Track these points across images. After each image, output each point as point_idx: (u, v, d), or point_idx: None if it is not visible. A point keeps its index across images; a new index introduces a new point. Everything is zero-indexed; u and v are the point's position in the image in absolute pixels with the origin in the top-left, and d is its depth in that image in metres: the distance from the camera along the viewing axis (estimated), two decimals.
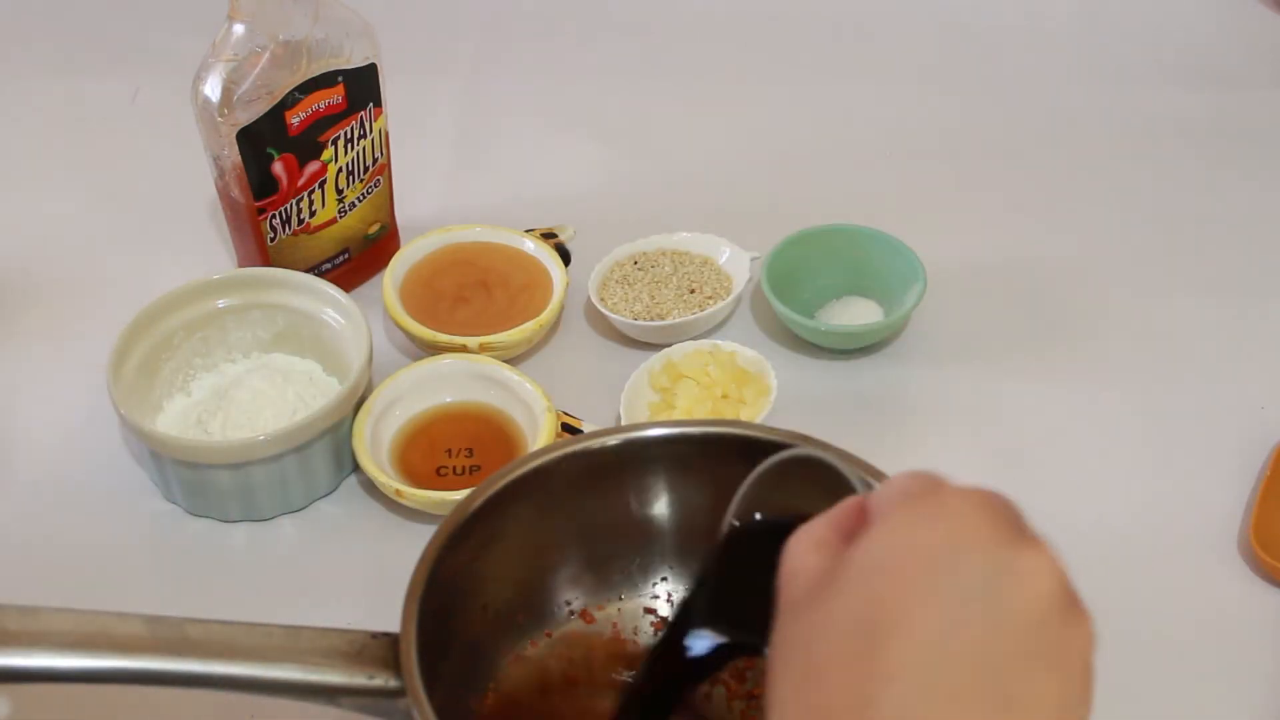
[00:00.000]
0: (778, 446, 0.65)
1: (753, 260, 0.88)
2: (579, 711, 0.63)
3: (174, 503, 0.76)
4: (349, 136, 0.82)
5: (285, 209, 0.82)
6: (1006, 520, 0.41)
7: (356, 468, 0.77)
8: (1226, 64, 1.13)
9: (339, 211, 0.85)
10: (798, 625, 0.42)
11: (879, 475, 0.62)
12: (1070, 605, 0.40)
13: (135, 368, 0.77)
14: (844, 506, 0.46)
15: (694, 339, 0.84)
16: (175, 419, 0.78)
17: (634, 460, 0.65)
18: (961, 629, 0.38)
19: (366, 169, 0.85)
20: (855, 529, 0.44)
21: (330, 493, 0.77)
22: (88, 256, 0.92)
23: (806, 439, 0.64)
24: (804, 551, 0.44)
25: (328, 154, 0.82)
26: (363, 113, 0.82)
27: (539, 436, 0.75)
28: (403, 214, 0.91)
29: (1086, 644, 0.40)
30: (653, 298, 0.86)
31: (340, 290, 0.80)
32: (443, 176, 1.00)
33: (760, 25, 1.17)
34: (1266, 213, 0.97)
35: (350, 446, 0.75)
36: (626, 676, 0.64)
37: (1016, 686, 0.38)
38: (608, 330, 0.87)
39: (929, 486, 0.43)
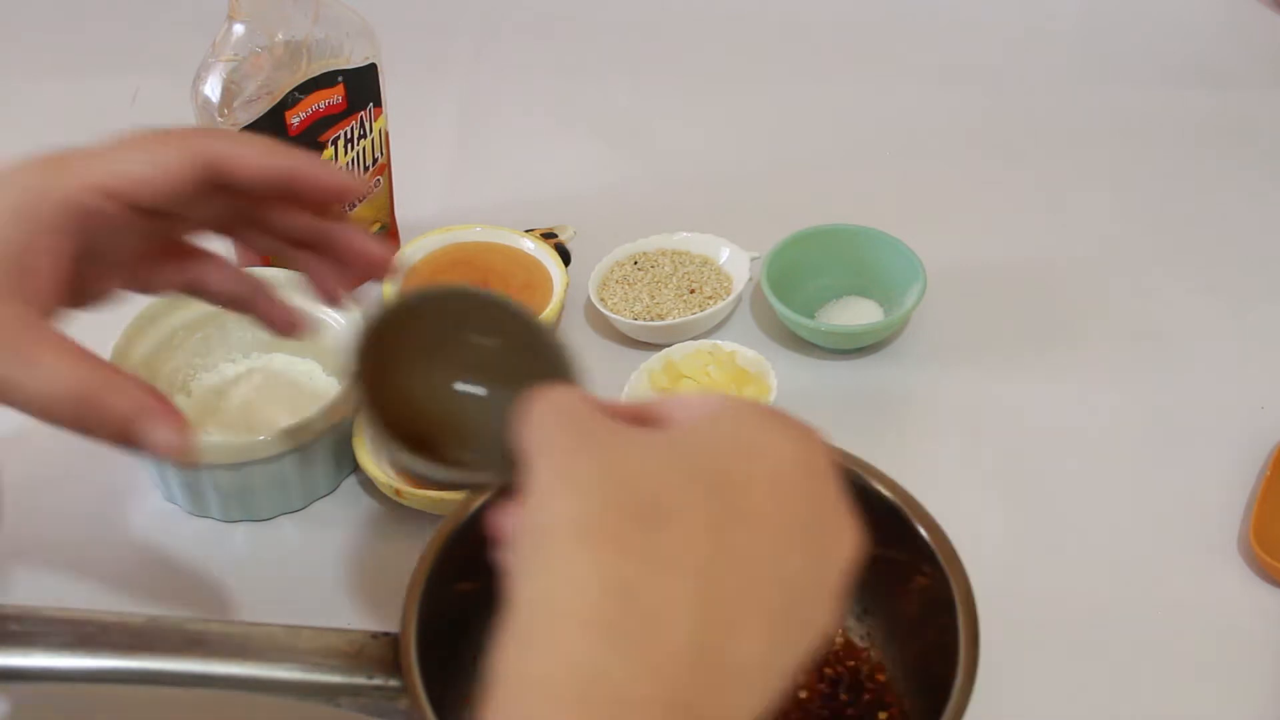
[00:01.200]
0: None
1: (753, 260, 0.88)
2: None
3: (174, 503, 0.76)
4: (349, 136, 0.82)
5: None
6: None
7: (356, 468, 0.77)
8: (1226, 64, 1.13)
9: None
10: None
11: (881, 476, 0.62)
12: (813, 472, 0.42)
13: (135, 368, 0.76)
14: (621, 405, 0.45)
15: (694, 339, 0.84)
16: None
17: None
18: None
19: (366, 169, 0.85)
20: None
21: (330, 493, 0.77)
22: None
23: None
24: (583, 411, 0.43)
25: (328, 154, 0.82)
26: (363, 113, 0.82)
27: None
28: (403, 214, 0.91)
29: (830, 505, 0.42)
30: (653, 298, 0.86)
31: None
32: (443, 176, 1.00)
33: (760, 25, 1.17)
34: (1266, 212, 0.97)
35: (350, 446, 0.75)
36: None
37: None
38: (608, 330, 0.87)
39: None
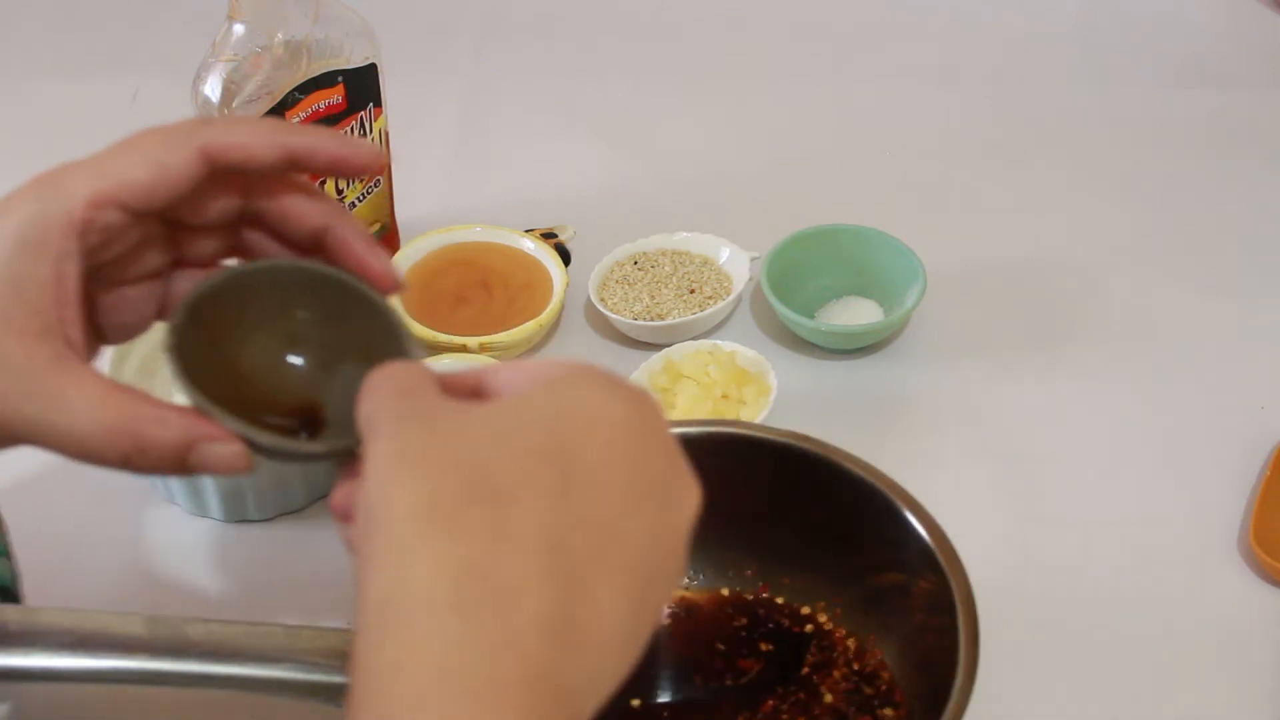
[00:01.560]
0: (778, 446, 0.65)
1: (753, 260, 0.88)
2: None
3: (174, 503, 0.76)
4: None
5: None
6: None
7: None
8: (1226, 64, 1.13)
9: None
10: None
11: (881, 476, 0.62)
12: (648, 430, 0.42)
13: (135, 368, 0.77)
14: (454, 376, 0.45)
15: (694, 339, 0.84)
16: None
17: None
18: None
19: None
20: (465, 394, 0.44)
21: (330, 492, 0.77)
22: None
23: (806, 439, 0.65)
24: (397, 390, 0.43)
25: None
26: (363, 113, 0.82)
27: None
28: (403, 214, 0.91)
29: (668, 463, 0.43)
30: (653, 298, 0.86)
31: None
32: (443, 177, 1.00)
33: (761, 25, 1.17)
34: (1267, 212, 0.97)
35: None
36: None
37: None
38: (608, 330, 0.87)
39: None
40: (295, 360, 0.51)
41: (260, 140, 0.50)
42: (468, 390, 0.45)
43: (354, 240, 0.50)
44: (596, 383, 0.43)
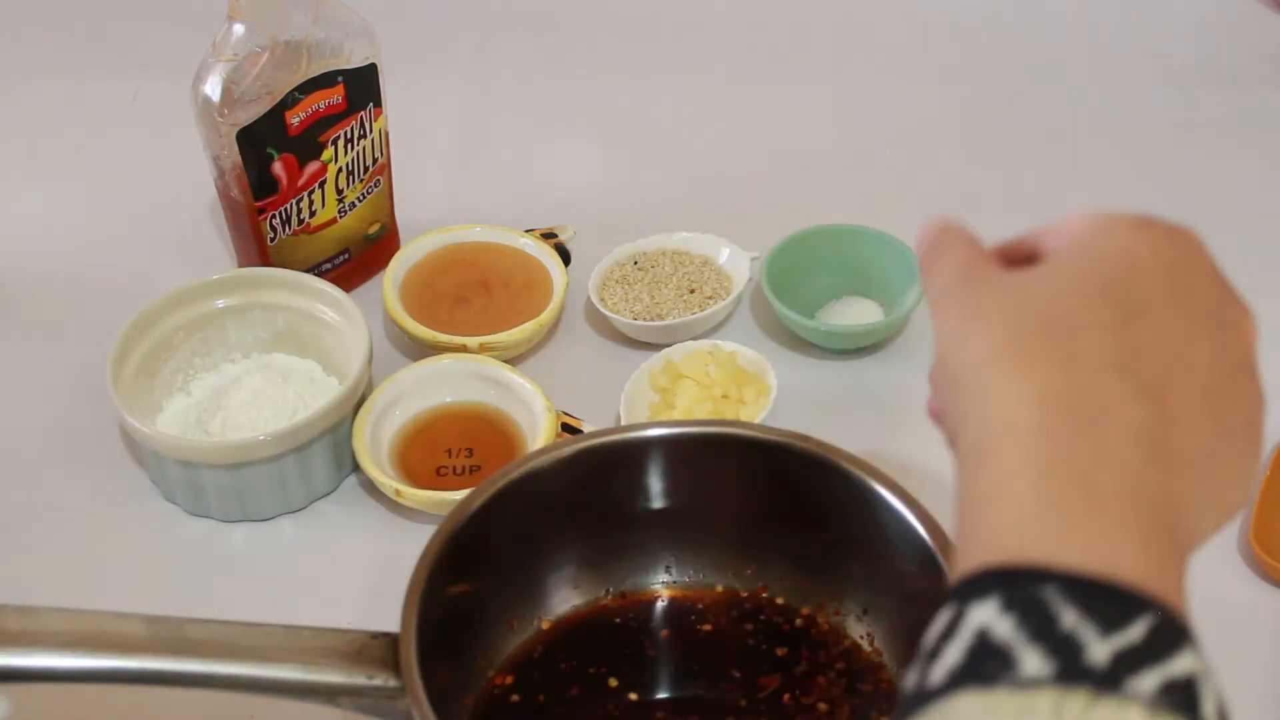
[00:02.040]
0: (778, 446, 0.65)
1: (753, 260, 0.88)
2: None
3: (174, 503, 0.76)
4: (349, 136, 0.82)
5: (285, 209, 0.82)
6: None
7: (356, 468, 0.77)
8: (1226, 64, 1.13)
9: (339, 211, 0.85)
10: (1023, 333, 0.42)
11: (881, 476, 0.62)
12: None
13: (135, 368, 0.77)
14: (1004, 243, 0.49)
15: (694, 339, 0.84)
16: (175, 419, 0.78)
17: (634, 460, 0.65)
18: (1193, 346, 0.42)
19: (366, 169, 0.85)
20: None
21: (330, 493, 0.77)
22: (88, 256, 0.92)
23: (806, 439, 0.65)
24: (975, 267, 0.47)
25: (328, 154, 0.82)
26: (363, 113, 0.82)
27: (539, 436, 0.75)
28: (403, 214, 0.91)
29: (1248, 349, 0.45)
30: (653, 298, 0.86)
31: (340, 290, 0.80)
32: (443, 176, 1.00)
33: (760, 25, 1.17)
34: (1266, 213, 0.97)
35: (350, 446, 0.75)
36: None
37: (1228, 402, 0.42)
38: (608, 330, 0.87)
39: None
40: None
41: None
42: (1022, 257, 0.48)
43: None
44: (1137, 226, 0.47)
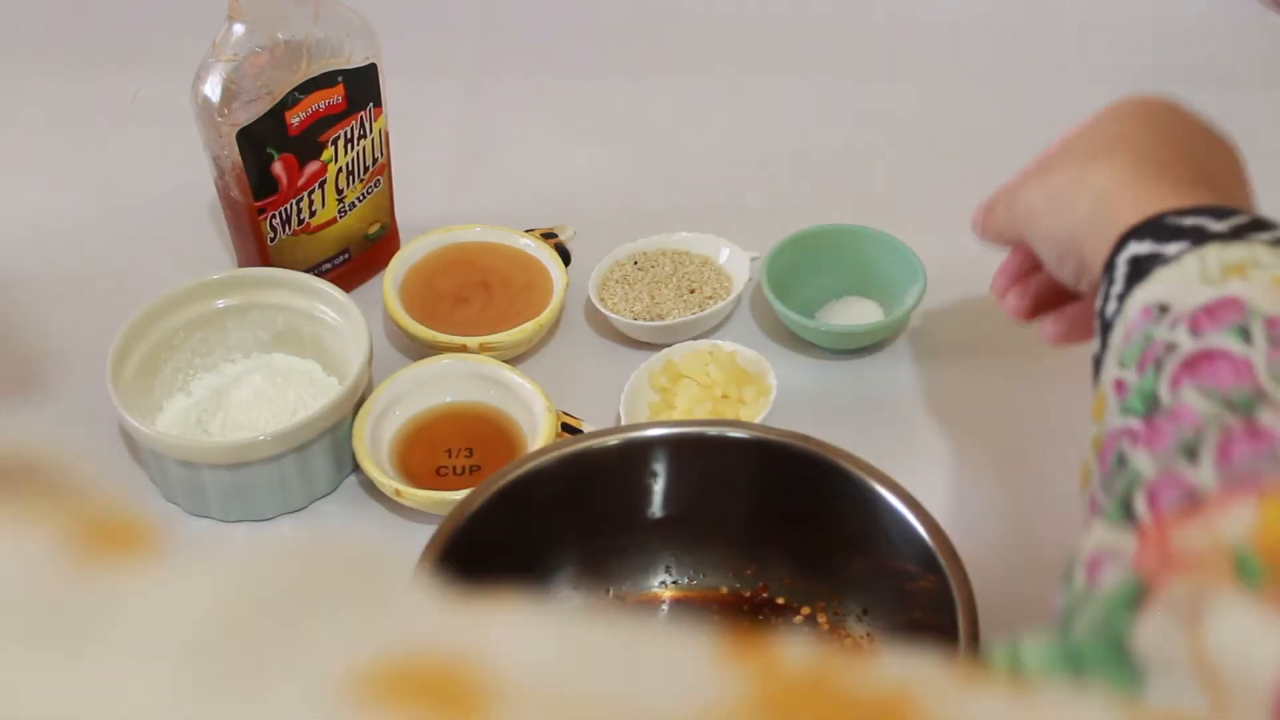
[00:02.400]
0: (778, 446, 0.65)
1: (753, 260, 0.88)
2: None
3: (174, 503, 0.76)
4: (349, 136, 0.82)
5: (285, 209, 0.82)
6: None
7: (356, 468, 0.77)
8: (1226, 64, 1.13)
9: (339, 211, 0.85)
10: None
11: (881, 476, 0.62)
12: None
13: (135, 368, 0.77)
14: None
15: (694, 339, 0.84)
16: (175, 419, 0.78)
17: (634, 460, 0.65)
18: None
19: (366, 169, 0.85)
20: None
21: (330, 493, 0.77)
22: (88, 256, 0.92)
23: (806, 439, 0.65)
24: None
25: (328, 154, 0.82)
26: (363, 113, 0.82)
27: (539, 436, 0.75)
28: (403, 214, 0.91)
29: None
30: (653, 298, 0.86)
31: (340, 290, 0.80)
32: (443, 176, 0.99)
33: (760, 25, 1.17)
34: (1266, 212, 0.97)
35: (350, 446, 0.75)
36: None
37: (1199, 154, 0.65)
38: (608, 330, 0.87)
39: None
40: None
41: None
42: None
43: None
44: (1119, 107, 0.72)
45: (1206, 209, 0.52)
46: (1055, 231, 0.60)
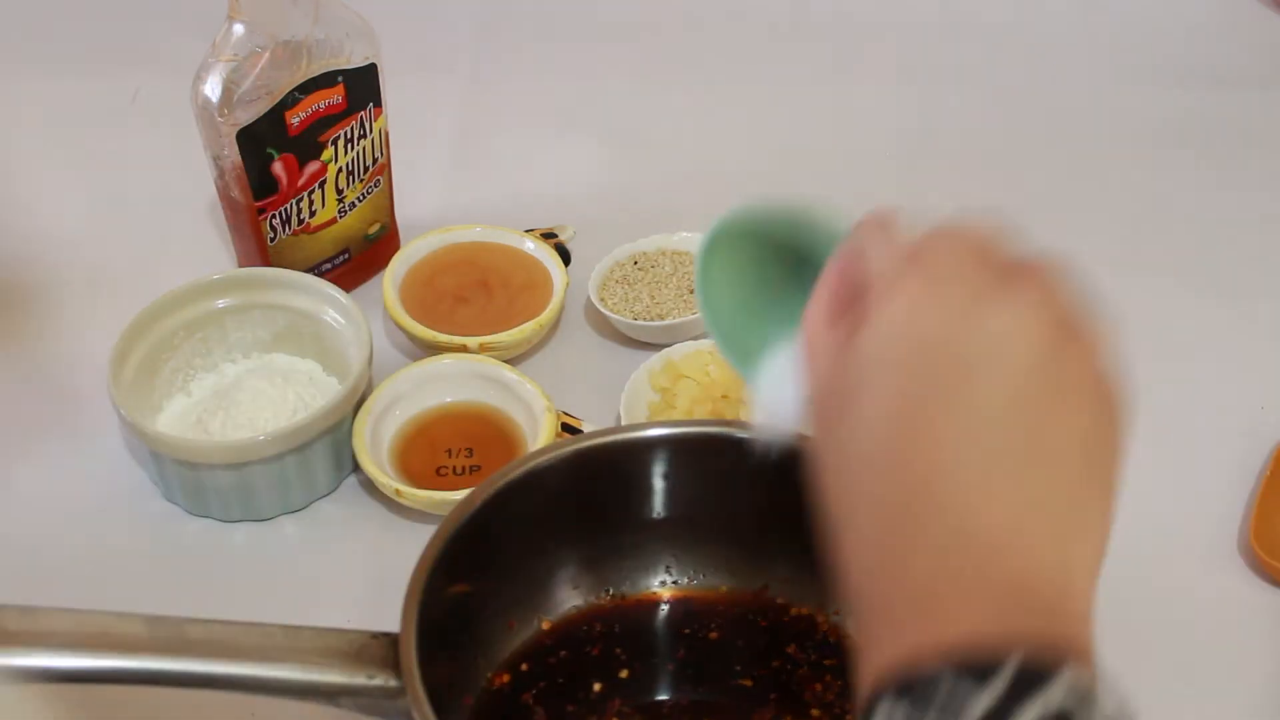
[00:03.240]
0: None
1: None
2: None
3: (174, 503, 0.76)
4: (349, 136, 0.82)
5: (285, 209, 0.82)
6: (989, 264, 0.46)
7: (356, 468, 0.77)
8: (1226, 64, 1.13)
9: (339, 211, 0.85)
10: (834, 432, 0.45)
11: None
12: (1063, 337, 0.45)
13: (135, 368, 0.77)
14: (837, 276, 0.48)
15: (694, 339, 0.84)
16: (175, 419, 0.78)
17: (634, 460, 0.65)
18: (975, 400, 0.42)
19: (366, 169, 0.85)
20: (855, 297, 0.46)
21: (330, 493, 0.77)
22: (88, 256, 0.92)
23: (806, 439, 0.64)
24: (816, 332, 0.47)
25: (328, 154, 0.82)
26: (363, 113, 0.82)
27: (539, 436, 0.75)
28: (403, 214, 0.91)
29: (1087, 365, 0.46)
30: (653, 298, 0.86)
31: (340, 290, 0.80)
32: (443, 176, 1.00)
33: (761, 25, 1.17)
34: (1266, 213, 0.97)
35: (350, 446, 0.75)
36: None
37: (1043, 431, 0.43)
38: (608, 330, 0.87)
39: (913, 251, 0.47)
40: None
41: None
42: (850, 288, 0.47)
43: None
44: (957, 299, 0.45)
45: (976, 655, 0.37)
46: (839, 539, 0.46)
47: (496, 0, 1.19)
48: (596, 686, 0.63)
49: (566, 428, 0.76)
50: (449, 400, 0.79)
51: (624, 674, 0.64)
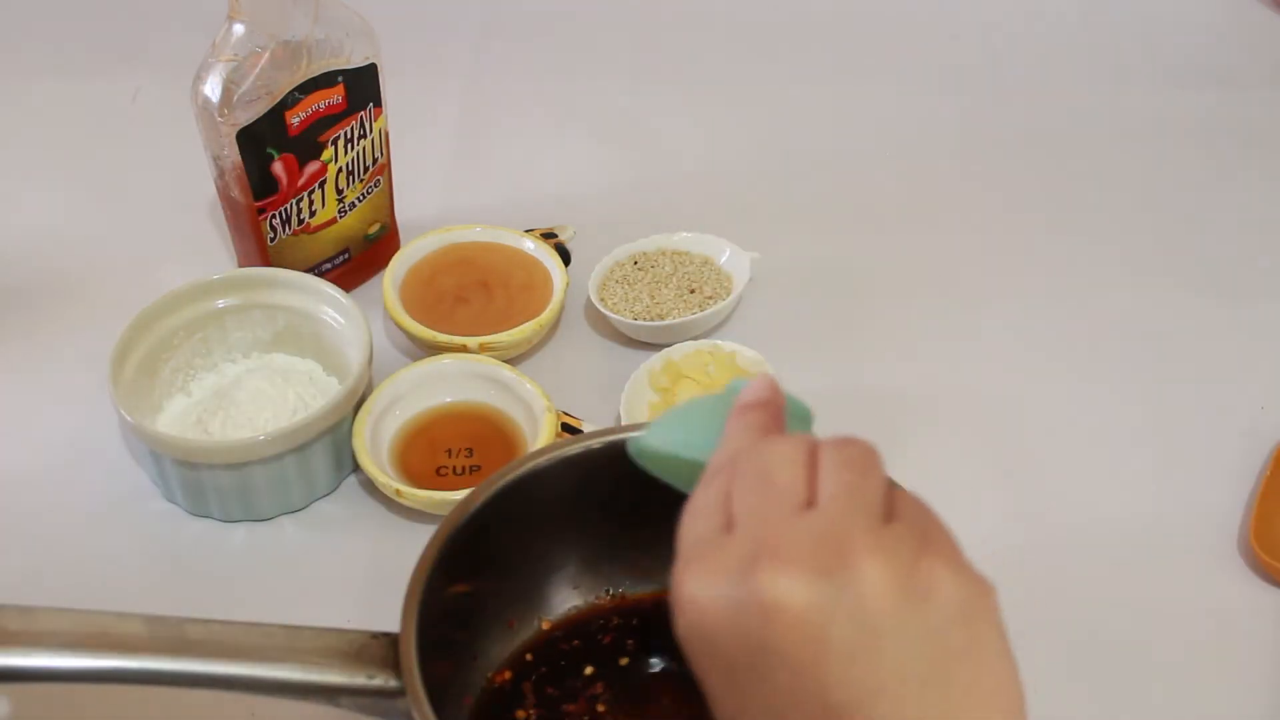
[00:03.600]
0: None
1: (753, 260, 0.88)
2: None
3: (174, 503, 0.76)
4: (349, 136, 0.82)
5: (285, 209, 0.82)
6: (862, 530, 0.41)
7: (356, 468, 0.77)
8: (1226, 64, 1.13)
9: (339, 211, 0.85)
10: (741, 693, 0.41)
11: None
12: (911, 596, 0.40)
13: (135, 368, 0.77)
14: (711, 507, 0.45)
15: (694, 339, 0.84)
16: (175, 419, 0.78)
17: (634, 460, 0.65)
18: (872, 678, 0.39)
19: (366, 169, 0.85)
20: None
21: (330, 493, 0.77)
22: (88, 256, 0.92)
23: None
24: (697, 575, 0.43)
25: (328, 154, 0.82)
26: (363, 113, 0.82)
27: (539, 436, 0.75)
28: (403, 214, 0.91)
29: (956, 619, 0.40)
30: (653, 298, 0.86)
31: (340, 290, 0.80)
32: (443, 177, 1.00)
33: (761, 25, 1.17)
34: (1266, 213, 0.97)
35: (350, 446, 0.75)
36: None
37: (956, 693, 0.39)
38: (608, 330, 0.87)
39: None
40: None
41: None
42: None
43: None
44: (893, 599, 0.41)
45: None
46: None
47: (496, 0, 1.19)
48: (597, 687, 0.63)
49: (566, 428, 0.76)
50: (449, 400, 0.79)
51: (625, 674, 0.64)
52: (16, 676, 0.54)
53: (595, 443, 0.64)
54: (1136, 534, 0.74)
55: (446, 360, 0.80)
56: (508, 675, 0.63)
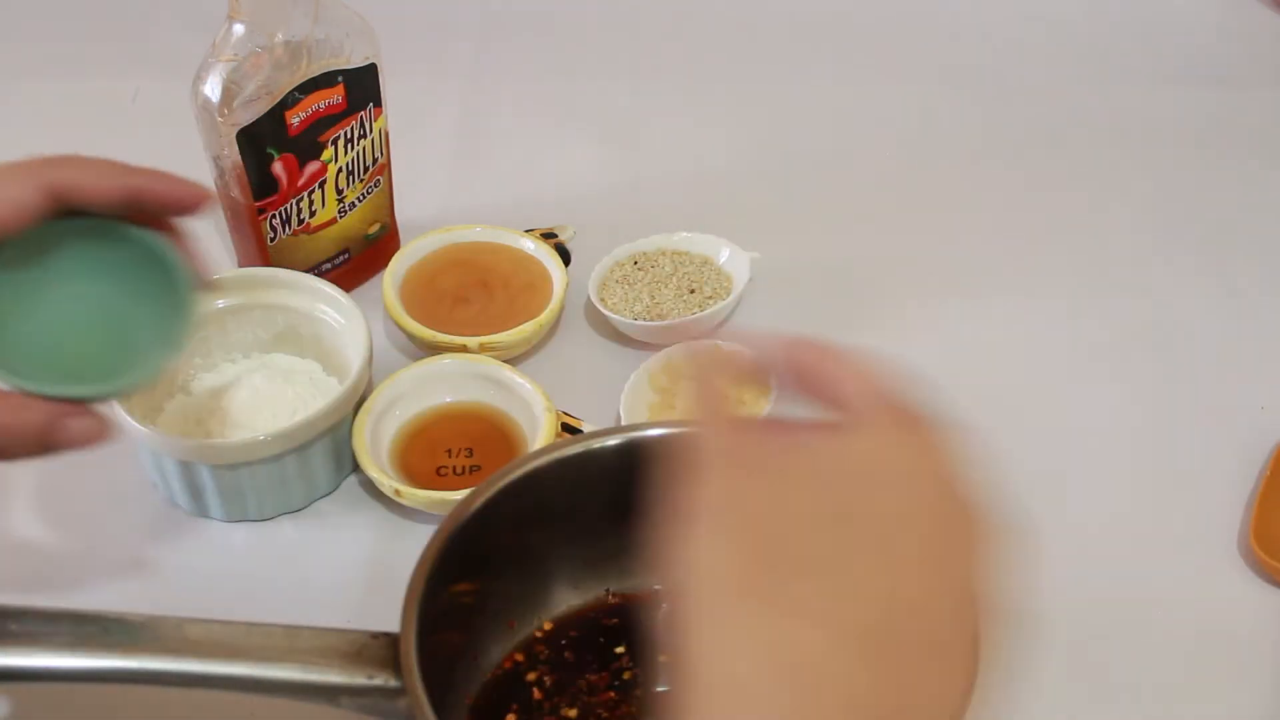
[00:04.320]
0: None
1: (753, 260, 0.88)
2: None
3: (174, 503, 0.76)
4: (349, 136, 0.82)
5: (285, 209, 0.82)
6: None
7: (356, 468, 0.77)
8: (1226, 64, 1.13)
9: (339, 211, 0.85)
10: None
11: None
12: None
13: None
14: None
15: (694, 339, 0.84)
16: (175, 419, 0.78)
17: (634, 460, 0.65)
18: None
19: (366, 169, 0.85)
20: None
21: (330, 493, 0.77)
22: None
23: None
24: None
25: (328, 154, 0.82)
26: (363, 113, 0.82)
27: (539, 436, 0.75)
28: (403, 214, 0.91)
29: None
30: (653, 298, 0.86)
31: (340, 290, 0.80)
32: (443, 176, 1.00)
33: (761, 25, 1.17)
34: (1266, 212, 0.97)
35: (350, 446, 0.75)
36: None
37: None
38: (608, 330, 0.87)
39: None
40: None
41: (105, 182, 0.56)
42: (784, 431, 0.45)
43: (158, 182, 0.57)
44: (904, 447, 0.43)
45: None
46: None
47: (496, 0, 1.19)
48: (596, 687, 0.63)
49: (566, 428, 0.76)
50: (449, 400, 0.79)
51: (625, 674, 0.64)
52: (16, 676, 0.54)
53: (595, 443, 0.64)
54: (1136, 534, 0.74)
55: (446, 360, 0.80)
56: (507, 675, 0.63)
